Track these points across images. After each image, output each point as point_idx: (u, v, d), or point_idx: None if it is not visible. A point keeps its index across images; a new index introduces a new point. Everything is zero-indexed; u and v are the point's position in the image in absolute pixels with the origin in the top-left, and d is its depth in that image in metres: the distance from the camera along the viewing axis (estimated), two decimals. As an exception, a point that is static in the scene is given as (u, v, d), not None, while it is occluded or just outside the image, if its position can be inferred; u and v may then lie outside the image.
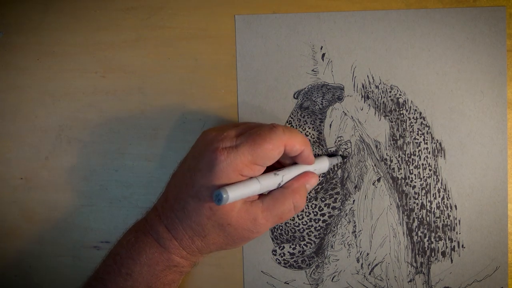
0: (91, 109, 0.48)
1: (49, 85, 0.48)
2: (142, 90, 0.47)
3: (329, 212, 0.46)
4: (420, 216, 0.45)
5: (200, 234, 0.39)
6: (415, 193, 0.45)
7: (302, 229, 0.46)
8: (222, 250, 0.42)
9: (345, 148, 0.45)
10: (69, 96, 0.48)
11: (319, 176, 0.45)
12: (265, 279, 0.47)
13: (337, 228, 0.46)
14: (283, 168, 0.40)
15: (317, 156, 0.44)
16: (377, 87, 0.45)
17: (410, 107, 0.45)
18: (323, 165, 0.43)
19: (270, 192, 0.40)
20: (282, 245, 0.47)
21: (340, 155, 0.45)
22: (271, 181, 0.39)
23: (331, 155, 0.46)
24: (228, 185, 0.36)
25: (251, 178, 0.38)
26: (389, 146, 0.45)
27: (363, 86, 0.45)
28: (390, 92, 0.45)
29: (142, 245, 0.40)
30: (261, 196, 0.40)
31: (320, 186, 0.46)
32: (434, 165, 0.45)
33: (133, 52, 0.47)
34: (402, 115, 0.45)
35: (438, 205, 0.45)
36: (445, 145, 0.44)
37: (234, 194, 0.36)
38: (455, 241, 0.45)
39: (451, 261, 0.45)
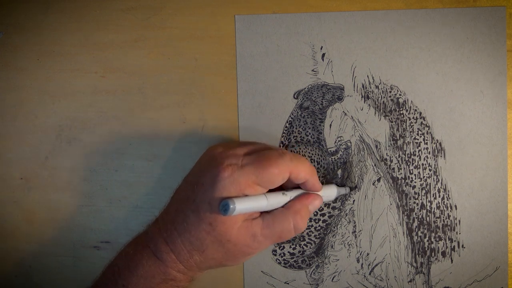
0: (91, 109, 0.48)
1: (49, 85, 0.48)
2: (142, 90, 0.47)
3: (329, 212, 0.46)
4: (420, 216, 0.45)
5: (199, 249, 0.39)
6: (415, 193, 0.45)
7: (302, 229, 0.46)
8: (222, 267, 0.42)
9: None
10: (69, 96, 0.48)
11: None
12: (265, 279, 0.47)
13: (337, 228, 0.46)
14: (292, 189, 0.41)
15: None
16: (377, 87, 0.45)
17: (410, 107, 0.45)
18: (331, 193, 0.44)
19: (271, 210, 0.40)
20: (282, 245, 0.47)
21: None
22: (278, 200, 0.39)
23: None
24: (236, 197, 0.36)
25: (259, 194, 0.38)
26: (389, 146, 0.45)
27: (363, 86, 0.45)
28: (390, 92, 0.45)
29: (139, 257, 0.40)
30: (262, 213, 0.40)
31: (320, 186, 0.46)
32: (434, 165, 0.45)
33: (133, 52, 0.47)
34: (402, 115, 0.45)
35: (438, 205, 0.45)
36: (445, 145, 0.44)
37: (241, 206, 0.36)
38: (455, 241, 0.45)
39: (451, 261, 0.45)
